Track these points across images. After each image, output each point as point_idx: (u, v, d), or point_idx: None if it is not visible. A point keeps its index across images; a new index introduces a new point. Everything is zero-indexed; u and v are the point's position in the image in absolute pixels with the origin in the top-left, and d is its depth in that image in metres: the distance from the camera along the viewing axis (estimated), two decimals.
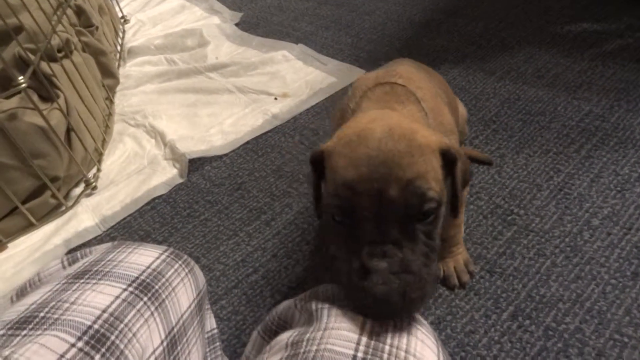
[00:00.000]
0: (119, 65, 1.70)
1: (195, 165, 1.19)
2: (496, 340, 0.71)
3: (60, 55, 1.21)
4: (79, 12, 1.40)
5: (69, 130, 1.14)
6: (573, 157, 0.98)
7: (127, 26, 2.01)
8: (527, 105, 1.13)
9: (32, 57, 1.08)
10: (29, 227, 1.09)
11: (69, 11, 1.35)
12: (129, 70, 1.67)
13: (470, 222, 0.90)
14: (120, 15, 2.03)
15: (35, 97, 1.09)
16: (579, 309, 0.72)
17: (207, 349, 0.58)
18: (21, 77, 0.99)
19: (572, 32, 1.34)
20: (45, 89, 1.11)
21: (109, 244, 0.63)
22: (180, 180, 1.16)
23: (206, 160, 1.20)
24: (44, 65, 1.11)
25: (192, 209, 1.08)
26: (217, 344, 0.60)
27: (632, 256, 0.78)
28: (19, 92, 1.00)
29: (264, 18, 1.84)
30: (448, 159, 0.51)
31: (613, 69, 1.18)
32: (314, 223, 0.97)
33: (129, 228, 1.07)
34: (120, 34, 1.92)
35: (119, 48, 1.79)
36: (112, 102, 1.49)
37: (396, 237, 0.44)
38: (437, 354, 0.39)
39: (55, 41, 1.18)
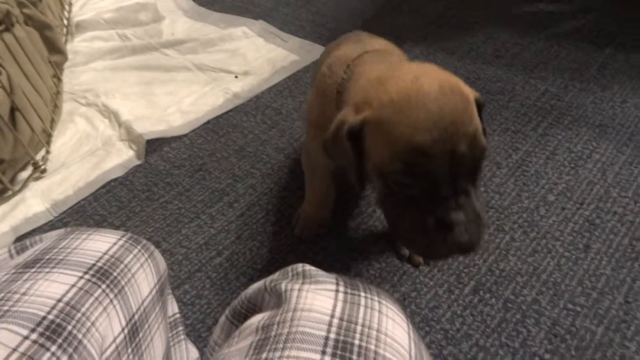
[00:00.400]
0: (66, 40, 1.60)
1: (153, 146, 1.14)
2: (459, 314, 0.73)
3: (1, 28, 1.12)
4: None
5: (13, 109, 1.07)
6: (530, 135, 1.00)
7: None
8: (486, 85, 1.15)
9: None
10: None
11: None
12: (77, 45, 1.58)
13: None
14: None
15: None
16: (536, 282, 0.75)
17: (170, 334, 0.56)
18: None
19: (529, 12, 1.37)
20: None
21: (61, 231, 0.60)
22: (138, 162, 1.11)
23: (165, 141, 1.16)
24: None
25: (151, 191, 1.04)
26: (180, 328, 0.58)
27: (584, 229, 0.81)
28: None
29: None
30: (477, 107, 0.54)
31: (567, 49, 1.21)
32: (278, 204, 0.96)
33: (83, 213, 1.02)
34: (67, 7, 1.80)
35: (65, 22, 1.69)
36: (60, 79, 1.40)
37: (466, 189, 0.48)
38: (408, 331, 0.40)
39: None
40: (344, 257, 0.84)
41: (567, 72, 1.14)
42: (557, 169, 0.93)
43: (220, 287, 0.83)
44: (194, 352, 0.61)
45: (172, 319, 0.57)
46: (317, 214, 0.89)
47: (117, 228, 0.97)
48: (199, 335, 0.76)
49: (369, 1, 1.57)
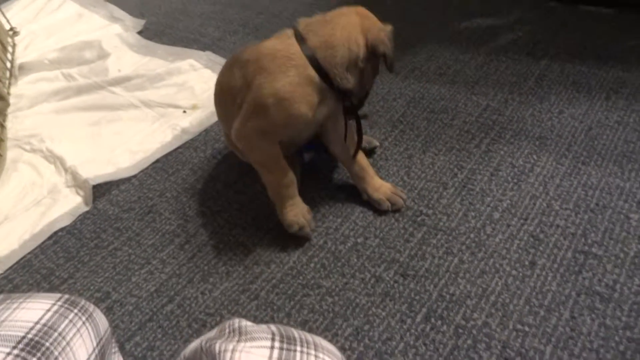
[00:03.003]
0: (9, 83, 1.56)
1: (102, 190, 1.12)
2: (412, 345, 0.73)
3: None
4: None
5: None
6: (474, 153, 1.02)
7: (17, 39, 1.84)
8: (431, 104, 1.17)
9: None
10: None
11: None
12: (21, 88, 1.54)
13: (383, 226, 0.92)
14: (8, 27, 1.86)
15: None
16: (485, 304, 0.76)
17: None
18: None
19: (468, 28, 1.40)
20: None
21: None
22: (86, 209, 1.08)
23: (113, 183, 1.13)
24: None
25: (99, 238, 1.01)
26: None
27: (529, 245, 0.83)
28: None
29: (169, 24, 1.76)
30: None
31: (506, 63, 1.24)
32: (230, 242, 0.95)
33: (30, 267, 0.98)
34: (10, 49, 1.75)
35: (8, 65, 1.64)
36: (3, 126, 1.36)
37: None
38: None
39: None
40: (297, 293, 0.83)
41: (506, 86, 1.17)
42: (501, 185, 0.94)
43: (172, 337, 0.81)
44: None
45: None
46: (298, 197, 0.90)
47: (65, 281, 0.94)
48: None
49: None
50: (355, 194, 0.98)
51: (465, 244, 0.85)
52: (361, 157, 0.94)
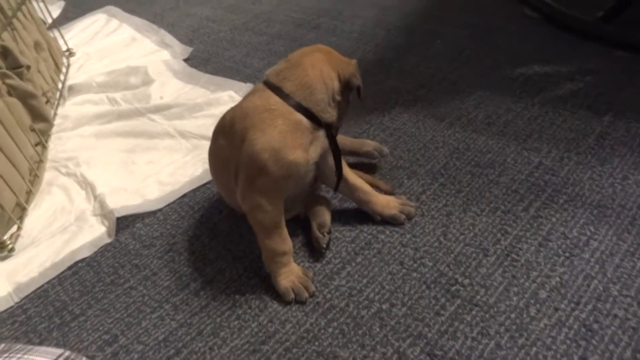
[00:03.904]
0: (58, 104, 1.60)
1: (126, 222, 1.10)
2: None
3: None
4: (5, 53, 1.30)
5: None
6: (521, 217, 0.92)
7: (72, 59, 1.91)
8: (476, 156, 1.08)
9: None
10: None
11: None
12: (68, 109, 1.57)
13: (412, 292, 0.83)
14: (65, 48, 1.93)
15: None
16: None
17: None
18: None
19: (523, 75, 1.30)
20: None
21: None
22: (108, 240, 1.06)
23: (139, 215, 1.11)
24: None
25: (117, 274, 0.98)
26: None
27: (580, 337, 0.72)
28: None
29: (215, 53, 1.77)
30: None
31: (563, 116, 1.14)
32: (246, 293, 0.89)
33: (45, 298, 0.96)
34: (64, 69, 1.81)
35: (60, 85, 1.69)
36: (45, 147, 1.38)
37: None
38: None
39: None
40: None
41: (563, 143, 1.07)
42: (550, 258, 0.84)
43: None
44: None
45: None
46: (294, 264, 0.88)
47: (76, 317, 0.91)
48: None
49: (357, 61, 1.53)
50: (385, 252, 0.91)
51: (504, 326, 0.75)
52: (360, 182, 0.96)
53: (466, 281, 0.83)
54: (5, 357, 0.47)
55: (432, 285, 0.84)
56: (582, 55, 1.34)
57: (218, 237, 1.02)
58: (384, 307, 0.82)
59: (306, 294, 0.85)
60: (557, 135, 1.09)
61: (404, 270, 0.87)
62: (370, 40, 1.65)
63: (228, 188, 0.92)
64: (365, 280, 0.87)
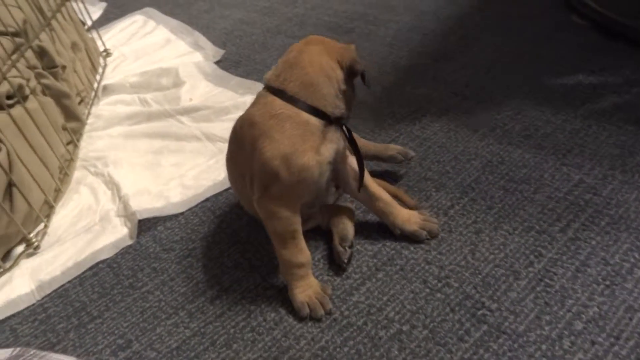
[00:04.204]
0: (92, 103, 1.62)
1: (148, 224, 1.09)
2: None
3: (11, 102, 1.13)
4: (42, 53, 1.33)
5: (10, 185, 1.06)
6: (558, 239, 0.86)
7: (109, 59, 1.95)
8: (511, 171, 1.02)
9: None
10: None
11: (29, 53, 1.28)
12: (101, 109, 1.60)
13: (435, 315, 0.78)
14: (102, 48, 1.97)
15: None
16: None
17: None
18: None
19: (565, 85, 1.23)
20: None
21: (9, 353, 0.56)
22: (129, 242, 1.06)
23: (161, 218, 1.10)
24: None
25: (135, 277, 0.98)
26: None
27: None
28: None
29: (246, 55, 1.76)
30: None
31: (608, 131, 1.06)
32: (262, 304, 0.86)
33: (66, 298, 0.97)
34: (100, 69, 1.85)
35: (95, 85, 1.72)
36: (76, 146, 1.41)
37: None
38: None
39: (4, 88, 1.11)
40: None
41: (606, 159, 0.99)
42: (588, 286, 0.77)
43: None
44: None
45: None
46: (312, 277, 0.85)
47: (93, 319, 0.91)
48: None
49: (390, 68, 1.49)
50: (408, 269, 0.86)
51: (534, 357, 0.70)
52: (382, 192, 0.91)
53: (494, 306, 0.78)
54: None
55: (457, 308, 0.79)
56: (631, 66, 1.25)
57: (237, 245, 1.00)
58: (404, 328, 0.77)
59: (322, 311, 0.81)
60: (601, 151, 1.01)
61: (427, 290, 0.82)
62: (404, 45, 1.60)
63: (245, 195, 0.90)
64: (385, 298, 0.83)
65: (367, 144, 1.05)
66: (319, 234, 0.97)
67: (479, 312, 0.77)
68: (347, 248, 0.89)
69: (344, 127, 0.84)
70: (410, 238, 0.90)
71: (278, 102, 0.79)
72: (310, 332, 0.80)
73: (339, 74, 0.80)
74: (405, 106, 1.30)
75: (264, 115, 0.79)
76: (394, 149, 1.04)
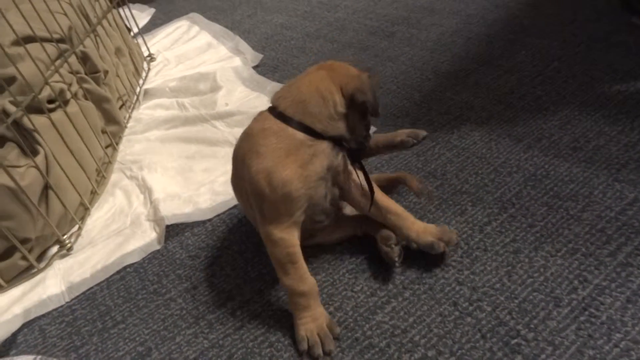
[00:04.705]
0: (133, 107, 1.66)
1: (177, 230, 1.09)
2: None
3: (52, 106, 1.17)
4: (85, 58, 1.37)
5: (47, 187, 1.08)
6: (606, 264, 0.77)
7: (152, 64, 1.99)
8: (556, 186, 0.94)
9: (13, 109, 1.04)
10: None
11: (73, 58, 1.32)
12: (141, 113, 1.63)
13: (464, 341, 0.72)
14: (146, 53, 2.02)
15: (15, 153, 1.04)
16: None
17: None
18: None
19: (622, 93, 1.12)
20: (27, 143, 1.07)
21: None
22: (157, 247, 1.06)
23: (189, 224, 1.10)
24: (25, 120, 1.06)
25: (160, 284, 0.98)
26: None
27: None
28: None
29: (284, 60, 1.75)
30: None
31: None
32: (282, 319, 0.83)
33: (93, 301, 0.98)
34: (144, 74, 1.90)
35: (138, 90, 1.77)
36: (115, 149, 1.44)
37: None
38: None
39: (46, 92, 1.14)
40: None
41: None
42: (639, 319, 0.69)
43: None
44: None
45: None
46: (320, 309, 0.80)
47: (116, 324, 0.91)
48: None
49: (431, 73, 1.43)
50: (437, 288, 0.81)
51: None
52: (392, 204, 0.86)
53: (530, 335, 0.71)
54: None
55: (489, 335, 0.72)
56: None
57: (261, 255, 0.97)
58: (429, 354, 0.72)
59: (320, 351, 0.75)
60: None
61: (457, 313, 0.76)
62: (446, 50, 1.54)
63: (250, 213, 0.88)
64: (411, 320, 0.78)
65: (377, 136, 0.99)
66: (344, 246, 0.93)
67: (513, 341, 0.70)
68: (393, 246, 0.84)
69: (352, 152, 0.82)
70: (428, 253, 0.83)
71: (270, 118, 0.79)
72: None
73: (337, 98, 0.78)
74: (444, 113, 1.23)
75: (254, 130, 0.81)
76: (402, 133, 0.99)
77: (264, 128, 0.78)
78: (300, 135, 0.77)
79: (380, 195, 0.86)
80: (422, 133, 0.98)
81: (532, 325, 0.72)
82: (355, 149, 0.83)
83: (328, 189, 0.81)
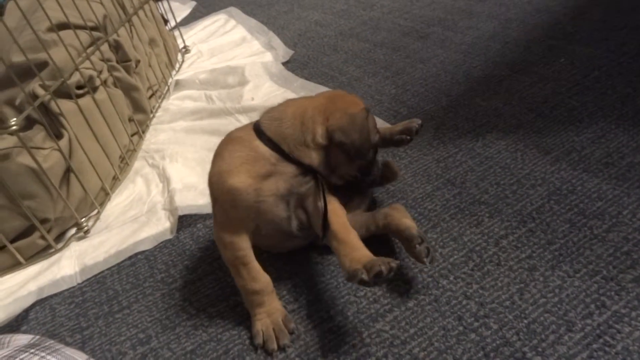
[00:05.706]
0: (163, 97, 1.69)
1: (189, 220, 1.10)
2: None
3: (81, 92, 1.20)
4: (117, 47, 1.40)
5: (69, 170, 1.11)
6: (629, 290, 0.72)
7: (186, 56, 2.02)
8: (582, 202, 0.88)
9: (42, 93, 1.07)
10: (16, 265, 1.07)
11: (105, 46, 1.35)
12: (170, 103, 1.66)
13: (465, 358, 0.69)
14: (182, 45, 2.06)
15: (41, 135, 1.08)
16: None
17: None
18: (13, 119, 0.97)
19: None
20: (54, 127, 1.10)
21: (27, 340, 0.58)
22: (169, 237, 1.07)
23: (202, 215, 1.10)
24: (53, 104, 1.09)
25: (167, 272, 0.98)
26: None
27: None
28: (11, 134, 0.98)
29: (314, 57, 1.74)
30: None
31: None
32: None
33: (102, 284, 1.00)
34: (177, 66, 1.93)
35: (170, 80, 1.80)
36: (141, 137, 1.47)
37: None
38: None
39: (75, 78, 1.17)
40: None
41: None
42: None
43: None
44: None
45: None
46: (275, 305, 0.80)
47: (122, 309, 0.92)
48: None
49: (462, 77, 1.38)
50: (443, 301, 0.77)
51: None
52: (343, 232, 0.76)
53: (537, 358, 0.66)
54: (32, 351, 0.49)
55: (492, 354, 0.68)
56: None
57: (268, 252, 0.96)
58: None
59: (274, 346, 0.75)
60: None
61: (461, 328, 0.73)
62: (480, 54, 1.48)
63: None
64: (412, 331, 0.74)
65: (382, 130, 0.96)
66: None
67: None
68: (417, 245, 0.79)
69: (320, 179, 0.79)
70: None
71: (248, 128, 0.81)
72: (326, 355, 0.74)
73: (319, 129, 0.76)
74: (471, 119, 1.18)
75: (232, 135, 0.82)
76: (398, 126, 0.95)
77: (238, 136, 0.80)
78: (264, 149, 0.76)
79: (334, 220, 0.78)
80: (415, 125, 0.94)
81: (539, 349, 0.67)
82: (326, 184, 0.80)
83: (292, 212, 0.79)
